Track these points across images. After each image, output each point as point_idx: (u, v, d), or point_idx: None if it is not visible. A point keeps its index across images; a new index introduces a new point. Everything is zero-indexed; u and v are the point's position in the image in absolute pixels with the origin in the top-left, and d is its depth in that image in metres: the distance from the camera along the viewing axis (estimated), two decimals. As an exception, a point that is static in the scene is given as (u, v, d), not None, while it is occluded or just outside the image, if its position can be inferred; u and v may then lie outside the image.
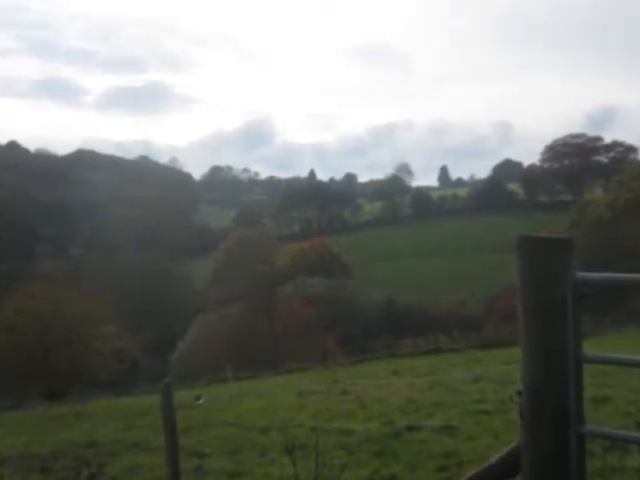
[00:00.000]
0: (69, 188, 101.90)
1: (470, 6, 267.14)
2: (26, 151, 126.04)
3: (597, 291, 2.98)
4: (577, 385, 2.88)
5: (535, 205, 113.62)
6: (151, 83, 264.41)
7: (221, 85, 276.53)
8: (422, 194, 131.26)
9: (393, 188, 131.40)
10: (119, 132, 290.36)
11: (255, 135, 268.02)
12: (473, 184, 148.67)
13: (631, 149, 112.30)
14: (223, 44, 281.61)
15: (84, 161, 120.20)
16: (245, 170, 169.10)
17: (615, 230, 44.08)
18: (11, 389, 32.36)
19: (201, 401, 15.85)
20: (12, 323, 34.86)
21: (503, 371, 14.84)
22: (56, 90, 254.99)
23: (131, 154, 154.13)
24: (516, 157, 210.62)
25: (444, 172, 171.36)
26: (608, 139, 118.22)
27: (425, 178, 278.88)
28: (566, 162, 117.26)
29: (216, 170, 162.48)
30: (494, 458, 3.38)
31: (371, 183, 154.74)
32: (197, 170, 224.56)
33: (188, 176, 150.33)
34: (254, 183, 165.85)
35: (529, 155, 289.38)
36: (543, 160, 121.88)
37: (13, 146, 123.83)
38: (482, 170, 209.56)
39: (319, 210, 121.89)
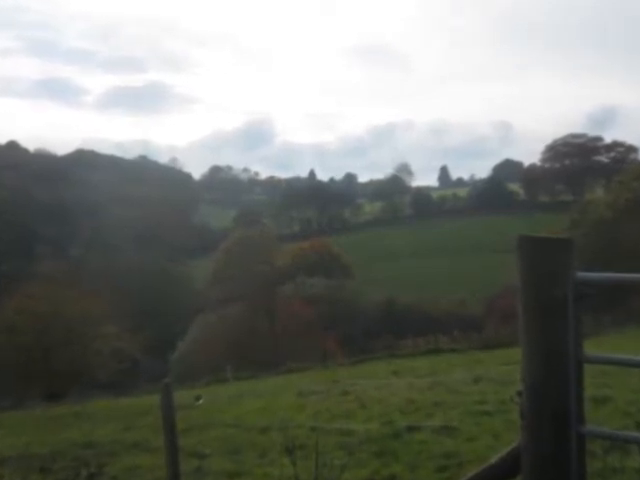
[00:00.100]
0: (69, 188, 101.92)
1: (470, 6, 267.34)
2: (26, 151, 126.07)
3: (597, 291, 2.98)
4: (577, 385, 2.87)
5: (535, 205, 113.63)
6: (151, 83, 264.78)
7: (221, 85, 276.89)
8: (422, 194, 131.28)
9: (393, 188, 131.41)
10: (119, 132, 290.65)
11: (255, 135, 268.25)
12: (473, 184, 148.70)
13: (631, 149, 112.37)
14: (223, 44, 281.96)
15: (84, 161, 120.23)
16: (245, 170, 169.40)
17: (615, 230, 44.07)
18: (11, 389, 32.37)
19: (201, 401, 15.85)
20: (12, 323, 34.88)
21: (503, 371, 14.84)
22: (56, 90, 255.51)
23: (131, 154, 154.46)
24: (516, 157, 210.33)
25: (444, 172, 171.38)
26: (609, 139, 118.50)
27: (425, 178, 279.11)
28: (567, 162, 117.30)
29: (216, 170, 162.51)
30: (494, 458, 3.37)
31: (371, 183, 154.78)
32: (197, 170, 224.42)
33: (188, 176, 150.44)
34: (254, 183, 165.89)
35: (529, 155, 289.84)
36: (543, 160, 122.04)
37: (13, 146, 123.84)
38: (482, 170, 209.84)
39: (319, 210, 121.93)
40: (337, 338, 45.54)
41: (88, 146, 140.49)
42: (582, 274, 2.87)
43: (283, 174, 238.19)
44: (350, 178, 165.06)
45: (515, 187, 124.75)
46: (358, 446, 9.30)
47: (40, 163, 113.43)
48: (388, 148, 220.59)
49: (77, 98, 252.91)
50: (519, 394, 3.01)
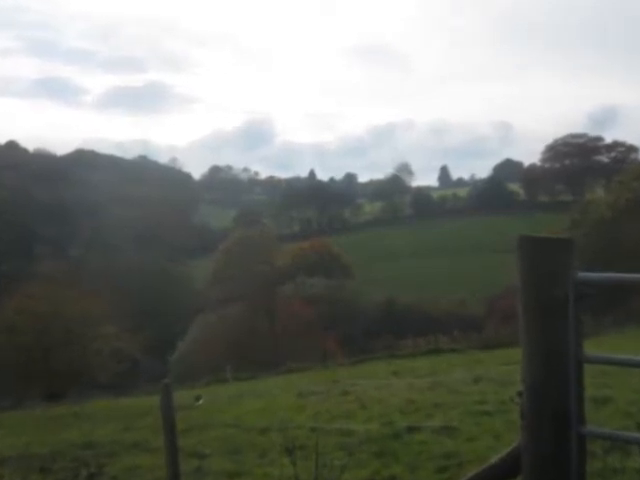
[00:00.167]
0: (69, 188, 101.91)
1: (470, 6, 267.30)
2: (25, 151, 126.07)
3: (598, 291, 2.97)
4: (578, 386, 2.87)
5: (536, 205, 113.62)
6: (151, 83, 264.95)
7: (221, 85, 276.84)
8: (422, 194, 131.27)
9: (393, 188, 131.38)
10: (119, 132, 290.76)
11: (255, 135, 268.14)
12: (473, 184, 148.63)
13: (632, 149, 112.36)
14: (223, 44, 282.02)
15: (84, 161, 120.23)
16: (245, 170, 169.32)
17: (616, 230, 44.06)
18: (11, 389, 32.36)
19: (201, 402, 15.84)
20: (12, 323, 34.88)
21: (504, 372, 14.83)
22: (56, 90, 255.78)
23: (131, 154, 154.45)
24: (516, 157, 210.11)
25: (444, 172, 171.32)
26: (609, 139, 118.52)
27: (425, 178, 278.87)
28: (567, 162, 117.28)
29: (216, 170, 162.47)
30: (494, 459, 3.37)
31: (371, 183, 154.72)
32: (197, 170, 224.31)
33: (188, 176, 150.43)
34: (254, 183, 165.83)
35: (529, 155, 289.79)
36: (544, 160, 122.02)
37: (12, 146, 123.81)
38: (482, 170, 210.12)
39: (319, 210, 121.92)
40: (337, 338, 45.55)
41: (88, 146, 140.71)
42: (582, 274, 2.86)
43: (283, 174, 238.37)
44: (350, 178, 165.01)
45: (515, 187, 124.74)
46: (358, 446, 9.29)
47: (40, 163, 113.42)
48: (388, 148, 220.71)
49: (77, 98, 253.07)
50: (519, 394, 3.01)
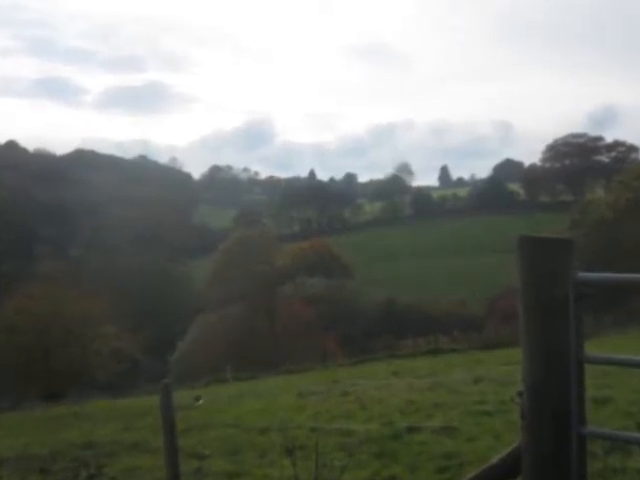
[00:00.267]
0: (68, 188, 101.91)
1: (469, 5, 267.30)
2: (25, 151, 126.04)
3: (598, 291, 2.96)
4: (578, 386, 2.86)
5: (536, 205, 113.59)
6: (150, 83, 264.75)
7: (221, 85, 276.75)
8: (422, 194, 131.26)
9: (393, 188, 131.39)
10: (118, 132, 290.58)
11: (255, 135, 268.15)
12: (474, 184, 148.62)
13: (632, 149, 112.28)
14: (223, 44, 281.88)
15: (83, 161, 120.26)
16: (245, 170, 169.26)
17: (616, 230, 44.05)
18: (10, 389, 32.37)
19: (201, 402, 15.84)
20: (12, 323, 34.88)
21: (504, 372, 14.83)
22: (55, 90, 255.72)
23: (130, 154, 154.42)
24: (517, 157, 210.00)
25: (444, 172, 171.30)
26: (609, 139, 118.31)
27: (425, 178, 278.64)
28: (567, 162, 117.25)
29: (216, 170, 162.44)
30: (495, 459, 3.36)
31: (371, 183, 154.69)
32: (197, 170, 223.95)
33: (188, 176, 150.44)
34: (254, 183, 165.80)
35: (530, 155, 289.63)
36: (544, 160, 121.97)
37: (12, 146, 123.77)
38: (483, 170, 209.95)
39: (319, 210, 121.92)
40: (337, 338, 45.57)
41: (88, 146, 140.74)
42: (583, 274, 2.86)
43: (283, 174, 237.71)
44: (350, 178, 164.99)
45: (515, 187, 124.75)
46: (358, 447, 9.29)
47: (39, 163, 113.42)
48: (388, 148, 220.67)
49: (76, 98, 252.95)
50: (520, 394, 3.00)
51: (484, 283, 64.00)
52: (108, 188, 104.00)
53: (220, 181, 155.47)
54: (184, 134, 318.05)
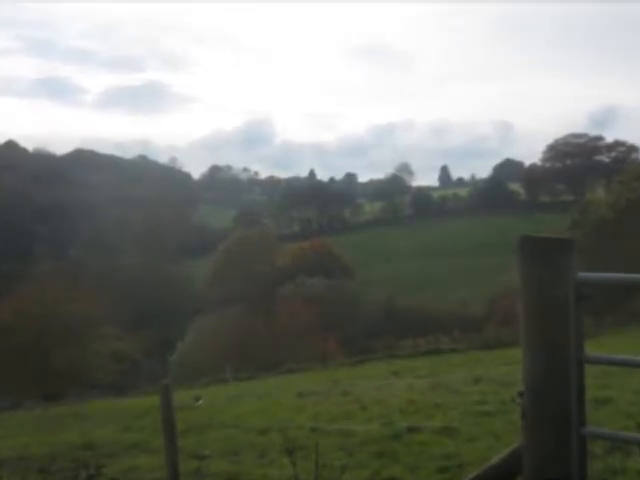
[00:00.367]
0: (68, 188, 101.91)
1: (469, 5, 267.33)
2: (25, 151, 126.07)
3: (599, 291, 2.96)
4: (578, 386, 2.86)
5: (536, 205, 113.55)
6: (150, 82, 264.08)
7: (220, 84, 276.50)
8: (422, 194, 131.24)
9: (393, 188, 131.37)
10: (118, 132, 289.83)
11: (255, 135, 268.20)
12: (474, 184, 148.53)
13: (633, 149, 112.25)
14: (223, 44, 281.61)
15: (83, 161, 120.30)
16: (245, 170, 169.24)
17: (616, 230, 44.02)
18: (10, 390, 32.34)
19: (200, 402, 15.84)
20: (11, 323, 34.87)
21: (504, 372, 14.83)
22: (55, 89, 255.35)
23: (130, 154, 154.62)
24: (517, 157, 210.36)
25: (445, 172, 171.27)
26: (610, 139, 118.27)
27: (425, 178, 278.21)
28: (568, 162, 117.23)
29: (216, 170, 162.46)
30: (495, 459, 3.36)
31: (371, 183, 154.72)
32: (197, 170, 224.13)
33: (187, 176, 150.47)
34: (254, 183, 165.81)
35: (530, 155, 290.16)
36: (544, 160, 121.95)
37: (12, 146, 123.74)
38: (483, 170, 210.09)
39: (319, 210, 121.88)
40: (337, 338, 45.51)
41: (87, 146, 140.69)
42: (583, 274, 2.85)
43: (283, 174, 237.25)
44: (350, 178, 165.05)
45: (516, 187, 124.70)
46: (358, 447, 9.28)
47: (39, 163, 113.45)
48: (388, 148, 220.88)
49: (76, 98, 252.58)
50: (520, 394, 2.99)
51: (484, 283, 63.98)
52: (108, 188, 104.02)
53: (220, 181, 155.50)
54: (184, 134, 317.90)
